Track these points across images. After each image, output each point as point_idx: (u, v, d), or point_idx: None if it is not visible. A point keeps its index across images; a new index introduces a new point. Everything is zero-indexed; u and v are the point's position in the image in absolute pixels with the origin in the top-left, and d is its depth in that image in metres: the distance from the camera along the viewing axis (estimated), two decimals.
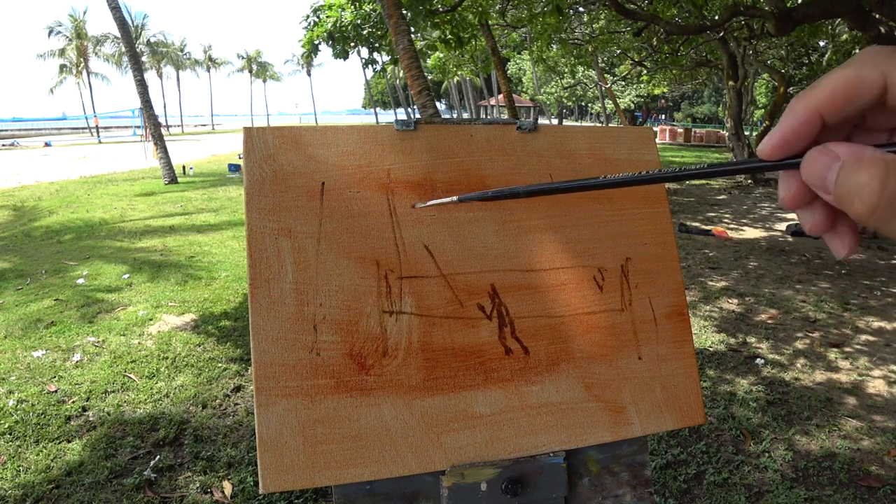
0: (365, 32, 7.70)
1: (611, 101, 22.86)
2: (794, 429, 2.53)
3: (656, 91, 22.71)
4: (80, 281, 4.67)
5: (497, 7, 9.09)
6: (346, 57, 8.31)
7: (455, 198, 0.61)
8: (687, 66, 15.03)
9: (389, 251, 0.65)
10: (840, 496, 2.09)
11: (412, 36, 4.53)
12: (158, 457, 2.31)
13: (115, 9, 10.17)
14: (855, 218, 0.25)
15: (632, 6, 7.84)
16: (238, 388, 2.92)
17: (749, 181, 11.09)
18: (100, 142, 31.67)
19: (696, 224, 7.19)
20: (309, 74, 56.34)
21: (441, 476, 0.64)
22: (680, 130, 27.48)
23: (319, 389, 0.61)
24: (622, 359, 0.71)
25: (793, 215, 7.30)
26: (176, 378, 3.00)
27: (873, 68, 0.25)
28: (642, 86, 24.01)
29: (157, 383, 2.94)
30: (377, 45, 7.98)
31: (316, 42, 8.30)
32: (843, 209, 0.25)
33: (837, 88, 0.25)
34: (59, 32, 45.09)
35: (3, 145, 29.42)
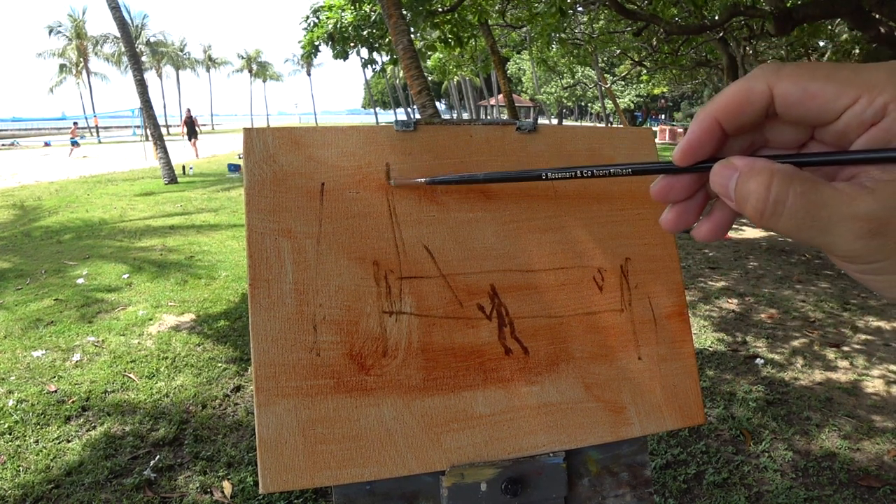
0: (365, 33, 7.70)
1: (611, 101, 22.85)
2: (794, 429, 2.53)
3: (656, 91, 22.72)
4: (80, 281, 4.67)
5: (497, 7, 9.09)
6: (345, 58, 8.31)
7: (422, 179, 0.64)
8: (687, 66, 15.03)
9: (389, 251, 0.65)
10: (840, 496, 2.09)
11: (412, 36, 4.53)
12: (158, 457, 2.31)
13: (115, 9, 10.17)
14: (749, 219, 0.28)
15: (632, 6, 7.84)
16: (238, 388, 2.92)
17: None
18: (99, 142, 31.66)
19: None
20: (309, 74, 56.33)
21: (441, 476, 0.64)
22: (680, 130, 27.47)
23: (319, 389, 0.61)
24: (622, 359, 0.71)
25: None
26: (176, 378, 3.00)
27: (761, 80, 0.28)
28: (642, 86, 24.02)
29: (156, 383, 2.94)
30: (377, 45, 7.98)
31: (316, 43, 8.30)
32: (742, 213, 0.29)
33: (730, 98, 0.29)
34: (58, 32, 45.09)
35: (3, 145, 29.41)
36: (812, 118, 0.28)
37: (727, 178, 0.28)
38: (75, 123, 22.69)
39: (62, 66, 46.00)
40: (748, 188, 0.27)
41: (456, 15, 7.69)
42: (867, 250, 0.26)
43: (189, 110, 19.01)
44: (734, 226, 6.48)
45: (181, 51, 56.73)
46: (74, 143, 20.01)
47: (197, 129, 18.65)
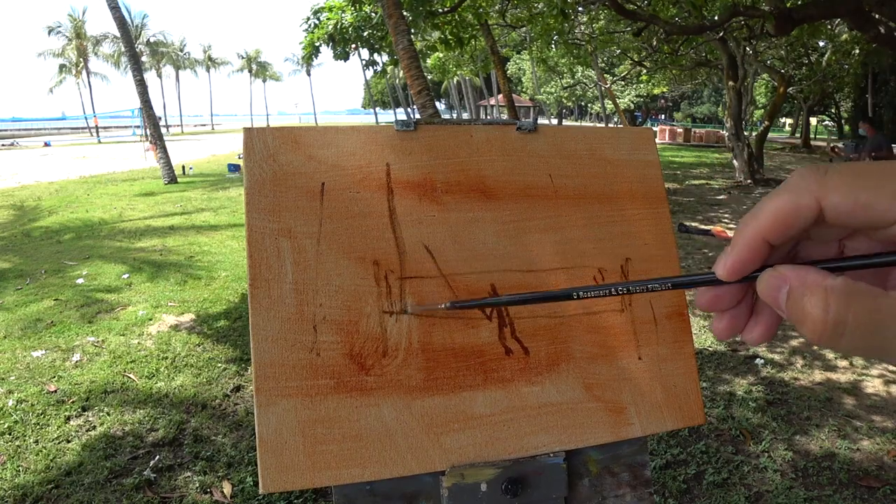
0: (365, 34, 7.70)
1: (610, 101, 22.86)
2: (794, 429, 2.53)
3: (656, 91, 22.72)
4: (80, 281, 4.67)
5: (497, 7, 9.09)
6: (346, 58, 8.32)
7: (443, 305, 0.63)
8: (686, 66, 15.04)
9: (389, 251, 0.65)
10: (840, 496, 2.09)
11: (412, 36, 4.53)
12: (158, 457, 2.31)
13: (115, 9, 10.17)
14: (807, 339, 0.27)
15: (631, 6, 7.84)
16: (238, 388, 2.92)
17: (749, 181, 11.10)
18: (99, 142, 31.67)
19: (696, 224, 7.20)
20: (309, 74, 56.30)
21: (441, 476, 0.64)
22: (680, 130, 27.48)
23: (319, 390, 0.61)
24: (622, 359, 0.71)
25: None
26: (175, 378, 3.00)
27: (806, 195, 0.27)
28: (642, 86, 24.01)
29: (156, 383, 2.94)
30: (377, 46, 7.98)
31: (316, 44, 8.30)
32: (797, 329, 0.27)
33: (777, 217, 0.27)
34: (58, 32, 45.08)
35: (3, 145, 29.40)
36: (863, 226, 0.27)
37: (777, 290, 0.27)
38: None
39: (62, 67, 46.01)
40: (803, 309, 0.26)
41: (456, 15, 7.69)
42: None
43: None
44: (734, 225, 6.46)
45: (181, 51, 56.73)
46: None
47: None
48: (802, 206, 0.27)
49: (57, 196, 9.68)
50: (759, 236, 0.28)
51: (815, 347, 3.40)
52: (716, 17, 7.87)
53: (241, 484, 2.16)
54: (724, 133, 16.17)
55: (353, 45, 8.01)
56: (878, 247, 0.28)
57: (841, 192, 0.26)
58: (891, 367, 3.13)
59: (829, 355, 3.28)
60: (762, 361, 3.20)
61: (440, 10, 7.12)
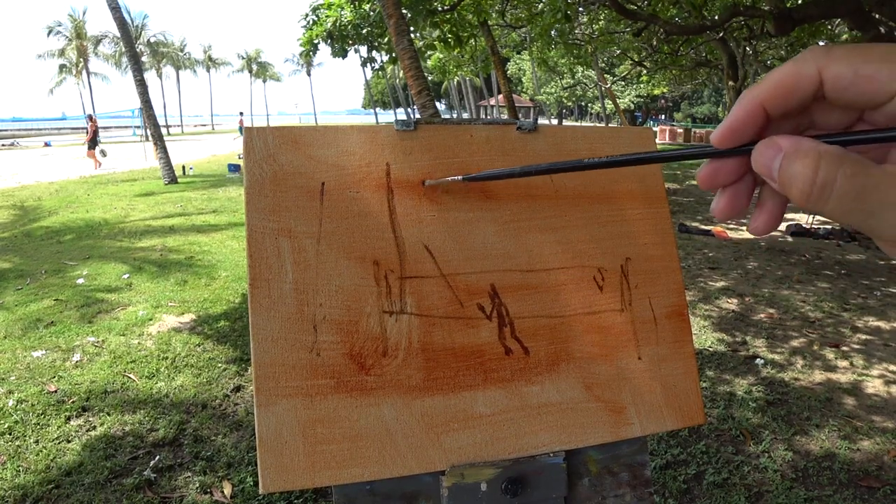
0: (364, 32, 7.70)
1: (611, 102, 22.85)
2: (794, 429, 2.53)
3: (656, 91, 22.72)
4: (80, 281, 4.67)
5: (497, 7, 9.09)
6: (344, 56, 8.32)
7: (459, 177, 0.64)
8: (687, 67, 15.03)
9: (389, 251, 0.65)
10: (840, 496, 2.09)
11: (412, 36, 4.53)
12: (158, 457, 2.31)
13: (115, 9, 10.17)
14: (794, 202, 0.28)
15: (632, 6, 7.84)
16: (238, 389, 2.92)
17: None
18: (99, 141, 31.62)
19: (696, 224, 7.20)
20: (309, 74, 56.31)
21: (441, 476, 0.64)
22: (680, 130, 27.48)
23: (319, 389, 0.61)
24: (622, 359, 0.71)
25: (792, 215, 7.31)
26: (175, 378, 3.00)
27: (810, 63, 0.27)
28: (642, 86, 24.01)
29: (156, 383, 2.94)
30: (376, 44, 7.98)
31: (315, 41, 8.30)
32: (786, 195, 0.28)
33: (778, 82, 0.28)
34: (58, 32, 45.09)
35: (3, 145, 29.40)
36: (864, 101, 0.26)
37: (770, 158, 0.27)
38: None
39: (62, 67, 46.01)
40: (794, 170, 0.26)
41: (456, 14, 7.69)
42: None
43: (92, 115, 16.00)
44: (734, 225, 6.45)
45: (181, 51, 56.74)
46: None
47: (95, 136, 15.39)
48: (803, 74, 0.27)
49: (57, 196, 9.68)
50: (757, 101, 0.28)
51: (816, 348, 3.39)
52: (716, 17, 7.87)
53: (242, 484, 2.16)
54: None
55: (352, 43, 8.01)
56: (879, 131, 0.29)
57: (843, 63, 0.26)
58: (891, 367, 3.13)
59: (829, 355, 3.28)
60: (762, 361, 3.20)
61: (440, 9, 7.12)
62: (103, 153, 15.47)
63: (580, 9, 9.85)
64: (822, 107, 0.29)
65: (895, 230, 0.25)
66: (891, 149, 0.28)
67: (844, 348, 3.39)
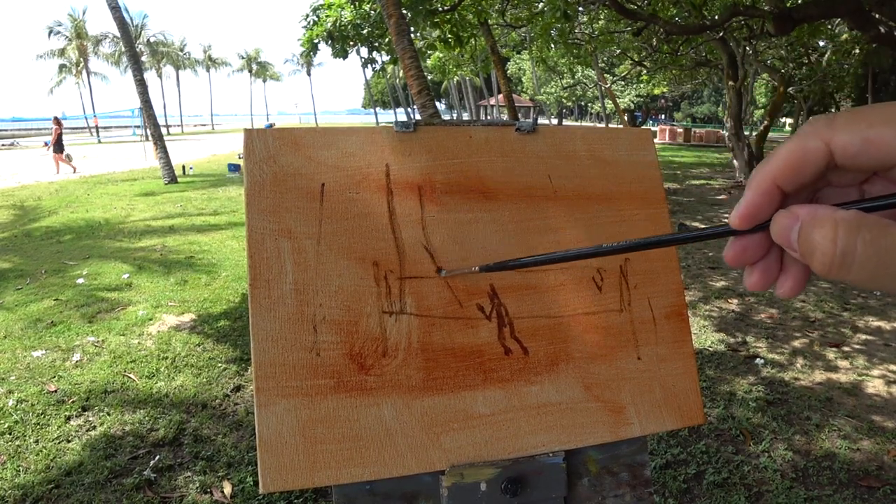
0: (364, 32, 7.70)
1: (610, 101, 22.85)
2: (794, 429, 2.53)
3: (656, 91, 22.71)
4: (80, 281, 4.67)
5: (497, 7, 9.08)
6: (345, 56, 8.31)
7: (476, 268, 0.62)
8: (687, 66, 15.02)
9: (389, 252, 0.65)
10: (840, 496, 2.09)
11: (412, 36, 4.53)
12: (158, 457, 2.31)
13: (115, 9, 10.17)
14: (817, 273, 0.27)
15: (632, 6, 7.84)
16: (238, 388, 2.92)
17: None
18: (99, 142, 31.66)
19: (696, 224, 7.19)
20: (309, 74, 56.28)
21: (441, 476, 0.65)
22: (680, 130, 27.49)
23: (319, 389, 0.62)
24: (621, 359, 0.71)
25: None
26: (176, 378, 3.00)
27: (813, 138, 0.27)
28: (642, 86, 24.00)
29: (156, 383, 2.95)
30: (377, 44, 7.98)
31: (315, 41, 8.30)
32: (807, 264, 0.27)
33: (786, 161, 0.27)
34: (58, 32, 45.08)
35: (3, 145, 29.39)
36: (876, 164, 0.26)
37: (788, 229, 0.27)
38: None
39: (62, 67, 45.99)
40: (812, 241, 0.25)
41: (456, 14, 7.69)
42: None
43: (57, 118, 15.26)
44: None
45: (181, 51, 56.72)
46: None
47: (60, 139, 14.67)
48: (811, 149, 0.27)
49: (57, 196, 9.68)
50: (770, 181, 0.28)
51: (816, 347, 3.40)
52: (716, 17, 7.86)
53: (242, 484, 2.16)
54: (724, 133, 16.17)
55: (352, 43, 8.01)
56: (895, 186, 0.28)
57: (848, 132, 0.26)
58: (891, 367, 3.13)
59: (830, 355, 3.28)
60: (762, 361, 3.20)
61: (440, 9, 7.12)
62: (69, 157, 15.00)
63: (580, 8, 9.85)
64: (836, 169, 0.29)
65: None
66: None
67: (845, 348, 3.39)
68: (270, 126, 16.60)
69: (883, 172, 0.28)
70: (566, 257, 0.47)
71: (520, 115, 21.74)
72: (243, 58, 62.32)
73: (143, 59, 47.60)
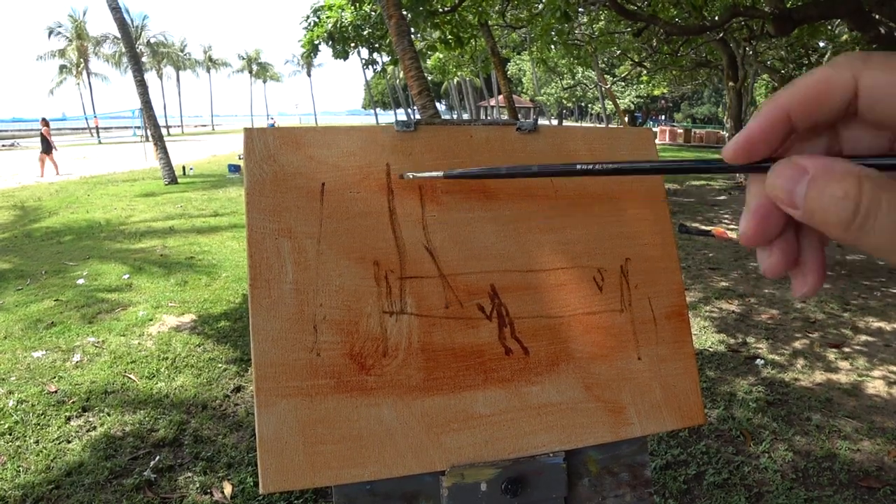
0: (365, 33, 7.71)
1: (611, 102, 22.86)
2: (794, 429, 2.53)
3: (656, 92, 22.71)
4: (81, 281, 4.67)
5: (497, 7, 9.09)
6: (346, 57, 8.32)
7: (440, 173, 0.63)
8: (687, 67, 15.03)
9: (390, 252, 0.65)
10: (840, 497, 2.09)
11: (412, 36, 4.54)
12: (158, 457, 2.31)
13: (115, 9, 10.18)
14: (827, 234, 0.24)
15: (632, 7, 7.84)
16: (238, 389, 2.92)
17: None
18: (100, 142, 31.68)
19: (696, 224, 7.20)
20: (309, 75, 56.29)
21: (441, 476, 0.64)
22: (680, 131, 27.50)
23: (319, 390, 0.61)
24: (622, 359, 0.71)
25: None
26: (176, 378, 3.00)
27: (845, 68, 0.24)
28: (642, 86, 24.01)
29: (156, 384, 2.94)
30: (377, 45, 7.98)
31: (316, 42, 8.31)
32: (813, 226, 0.24)
33: (807, 88, 0.24)
34: (58, 33, 45.11)
35: (4, 146, 29.41)
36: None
37: (792, 182, 0.24)
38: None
39: (62, 67, 46.02)
40: (827, 195, 0.22)
41: (456, 15, 7.70)
42: None
43: (45, 118, 14.87)
44: (734, 225, 6.43)
45: (181, 51, 56.74)
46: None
47: (49, 140, 14.17)
48: (836, 80, 0.24)
49: (57, 196, 9.68)
50: (784, 108, 0.25)
51: (817, 348, 3.39)
52: (716, 18, 7.87)
53: (242, 484, 2.16)
54: (725, 134, 16.17)
55: (353, 44, 8.02)
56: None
57: (882, 70, 0.23)
58: (892, 368, 3.13)
59: (830, 356, 3.28)
60: (762, 362, 3.20)
61: (440, 10, 7.12)
62: (43, 160, 14.72)
63: (580, 9, 9.85)
64: (852, 128, 0.26)
65: None
66: None
67: (845, 349, 3.39)
68: (272, 125, 16.61)
69: None
70: (536, 173, 0.48)
71: (520, 116, 21.75)
72: (243, 58, 62.36)
73: (144, 59, 47.63)
